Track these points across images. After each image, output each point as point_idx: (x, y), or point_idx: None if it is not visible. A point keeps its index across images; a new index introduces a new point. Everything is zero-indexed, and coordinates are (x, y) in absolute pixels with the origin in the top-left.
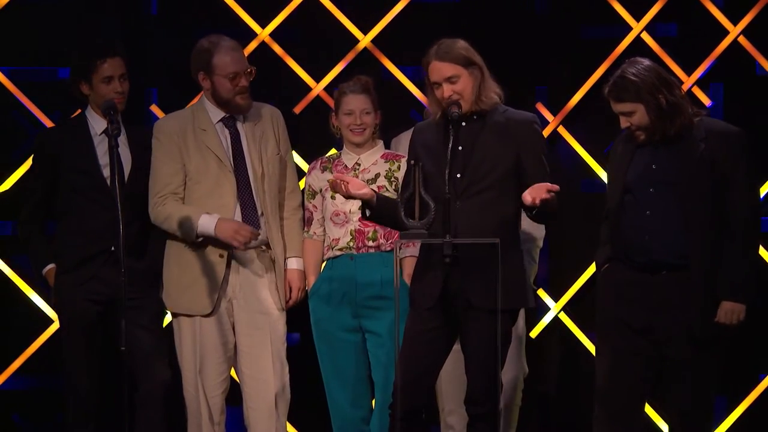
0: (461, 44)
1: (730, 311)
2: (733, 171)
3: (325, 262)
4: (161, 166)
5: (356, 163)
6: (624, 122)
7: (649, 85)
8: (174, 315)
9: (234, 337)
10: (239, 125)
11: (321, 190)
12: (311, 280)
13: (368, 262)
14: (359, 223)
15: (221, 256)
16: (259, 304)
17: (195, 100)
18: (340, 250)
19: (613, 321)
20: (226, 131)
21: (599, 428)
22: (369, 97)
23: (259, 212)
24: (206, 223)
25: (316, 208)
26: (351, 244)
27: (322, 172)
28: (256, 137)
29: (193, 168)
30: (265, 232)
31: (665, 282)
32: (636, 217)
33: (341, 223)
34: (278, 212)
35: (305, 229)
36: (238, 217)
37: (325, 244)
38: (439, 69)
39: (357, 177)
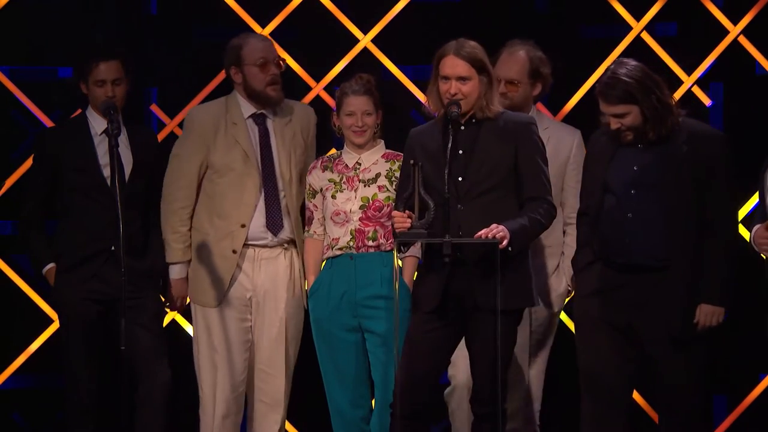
0: (480, 48)
1: (710, 314)
2: (713, 175)
3: (324, 262)
4: (183, 156)
5: (357, 162)
6: (614, 123)
7: (642, 86)
8: (193, 306)
9: (252, 335)
10: (269, 123)
11: (321, 190)
12: (311, 279)
13: (368, 261)
14: (359, 222)
15: (234, 251)
16: (278, 304)
17: (198, 97)
18: (340, 249)
19: (593, 322)
20: (256, 128)
21: (586, 422)
22: (371, 98)
23: (284, 212)
24: (174, 270)
25: (317, 207)
26: (351, 243)
27: (323, 171)
28: (286, 138)
29: (219, 161)
30: (289, 231)
31: (645, 283)
32: (617, 218)
33: (341, 223)
34: (299, 215)
35: (306, 228)
36: (259, 214)
37: (325, 244)
38: (455, 65)
39: (357, 176)
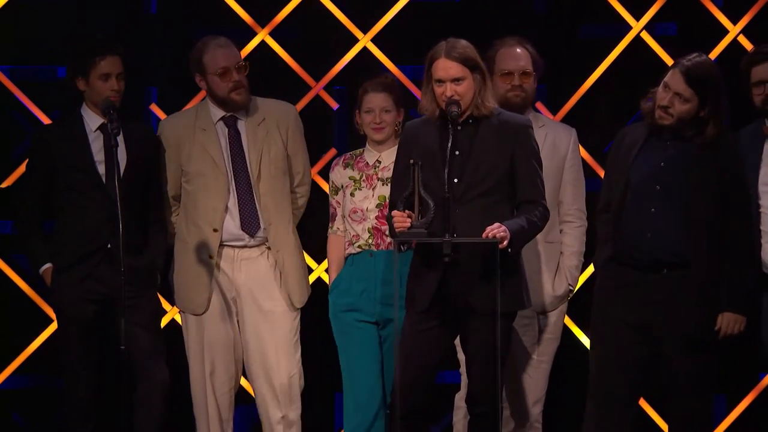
0: (470, 47)
1: (732, 322)
2: (738, 179)
3: (346, 258)
4: (165, 170)
5: (377, 160)
6: (667, 100)
7: (717, 90)
8: (180, 312)
9: (240, 335)
10: (240, 124)
11: (342, 187)
12: (333, 274)
13: (387, 259)
14: (376, 220)
15: (211, 257)
16: (263, 303)
17: (197, 97)
18: (360, 247)
19: (610, 318)
20: (227, 131)
21: (589, 424)
22: (390, 95)
23: (260, 213)
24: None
25: (339, 203)
26: (370, 241)
27: (344, 168)
28: (258, 138)
29: (190, 168)
30: (265, 232)
31: (665, 281)
32: (639, 213)
33: (359, 220)
34: (287, 211)
35: (330, 224)
36: (233, 217)
37: (346, 240)
38: (448, 68)
39: (377, 174)
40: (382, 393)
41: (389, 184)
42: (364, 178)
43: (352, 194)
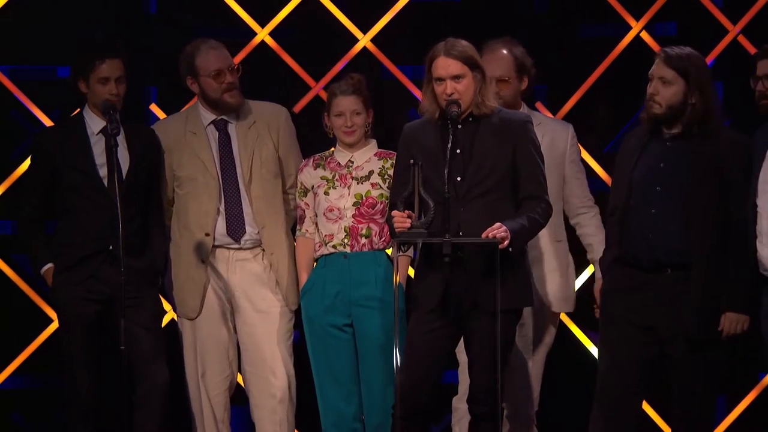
0: (470, 46)
1: (735, 322)
2: (739, 180)
3: (317, 260)
4: (162, 174)
5: (349, 160)
6: (652, 87)
7: (700, 75)
8: (177, 316)
9: (235, 336)
10: (231, 128)
11: (313, 187)
12: (303, 277)
13: (362, 260)
14: (353, 219)
15: (203, 261)
16: (257, 304)
17: (193, 101)
18: (334, 247)
19: (616, 320)
20: (217, 134)
21: (594, 425)
22: (359, 98)
23: (247, 217)
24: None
25: (308, 205)
26: (346, 240)
27: (315, 169)
28: (249, 140)
29: (182, 173)
30: (257, 234)
31: (669, 281)
32: (641, 215)
33: (335, 219)
34: (280, 213)
35: (298, 227)
36: (221, 223)
37: (317, 241)
38: (447, 65)
39: (351, 174)
40: (359, 394)
41: (364, 183)
42: (337, 177)
43: (326, 193)
